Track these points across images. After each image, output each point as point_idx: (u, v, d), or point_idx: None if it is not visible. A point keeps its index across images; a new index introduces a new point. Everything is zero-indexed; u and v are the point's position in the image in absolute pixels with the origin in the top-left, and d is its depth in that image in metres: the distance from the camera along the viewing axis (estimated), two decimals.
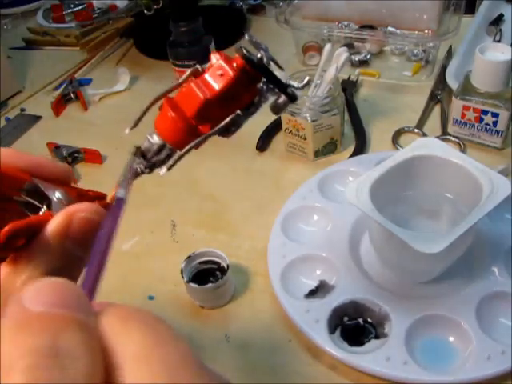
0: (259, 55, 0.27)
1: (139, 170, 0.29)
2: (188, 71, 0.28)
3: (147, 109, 0.28)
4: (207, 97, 0.26)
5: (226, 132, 0.28)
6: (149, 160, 0.29)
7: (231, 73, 0.26)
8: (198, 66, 0.27)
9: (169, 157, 0.29)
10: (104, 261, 0.22)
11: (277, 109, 0.28)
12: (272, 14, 0.90)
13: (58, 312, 0.17)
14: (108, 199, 0.28)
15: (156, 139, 0.28)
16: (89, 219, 0.24)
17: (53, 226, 0.24)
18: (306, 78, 0.30)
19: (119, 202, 0.27)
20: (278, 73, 0.28)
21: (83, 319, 0.17)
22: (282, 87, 0.28)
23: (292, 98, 0.28)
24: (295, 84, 0.29)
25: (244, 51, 0.26)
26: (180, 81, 0.28)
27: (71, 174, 0.28)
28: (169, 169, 0.29)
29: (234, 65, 0.26)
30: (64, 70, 0.93)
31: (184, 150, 0.28)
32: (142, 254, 0.60)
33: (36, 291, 0.18)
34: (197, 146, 0.28)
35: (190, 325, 0.53)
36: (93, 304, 0.19)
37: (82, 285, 0.21)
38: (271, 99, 0.28)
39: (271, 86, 0.27)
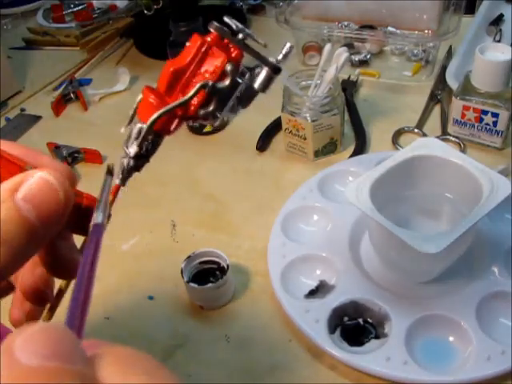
0: (234, 26, 0.28)
1: (125, 163, 0.29)
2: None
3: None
4: (175, 67, 0.27)
5: (208, 115, 0.28)
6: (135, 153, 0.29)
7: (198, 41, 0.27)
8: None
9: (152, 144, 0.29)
10: (88, 293, 0.21)
11: (262, 85, 0.28)
12: (272, 13, 0.90)
13: (53, 366, 0.16)
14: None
15: (137, 125, 0.28)
16: (47, 180, 0.22)
17: (7, 182, 0.22)
18: (287, 45, 0.29)
19: (97, 229, 0.24)
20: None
21: (80, 371, 0.16)
22: (263, 59, 0.27)
23: (275, 70, 0.28)
24: (277, 58, 0.28)
25: (216, 24, 0.27)
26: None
27: (73, 176, 0.28)
28: (138, 146, 0.28)
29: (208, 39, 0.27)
30: (64, 70, 0.93)
31: (150, 119, 0.27)
32: (142, 254, 0.60)
33: (27, 340, 0.17)
34: (169, 126, 0.28)
35: (190, 325, 0.53)
36: (84, 345, 0.18)
37: (68, 322, 0.20)
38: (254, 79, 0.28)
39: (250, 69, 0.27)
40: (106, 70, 0.93)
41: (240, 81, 0.28)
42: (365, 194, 0.47)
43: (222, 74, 0.27)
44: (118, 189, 0.29)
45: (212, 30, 0.28)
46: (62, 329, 0.17)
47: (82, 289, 0.21)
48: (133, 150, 0.28)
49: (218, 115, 0.28)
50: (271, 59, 0.28)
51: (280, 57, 0.28)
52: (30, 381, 0.16)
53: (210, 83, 0.27)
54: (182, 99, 0.27)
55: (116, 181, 0.28)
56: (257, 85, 0.28)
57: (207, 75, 0.28)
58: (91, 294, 0.21)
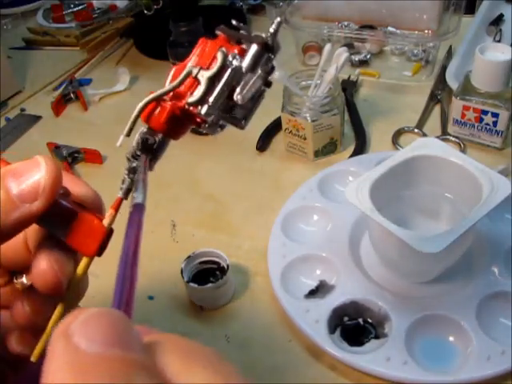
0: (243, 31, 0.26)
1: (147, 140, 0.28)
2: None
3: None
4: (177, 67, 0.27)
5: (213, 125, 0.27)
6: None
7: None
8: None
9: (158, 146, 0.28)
10: (134, 275, 0.20)
11: (251, 65, 0.25)
12: (272, 14, 0.90)
13: (116, 354, 0.15)
14: (105, 222, 0.27)
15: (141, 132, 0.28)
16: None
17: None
18: (277, 20, 0.26)
19: (138, 208, 0.24)
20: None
21: (141, 359, 0.16)
22: (250, 37, 0.26)
23: (265, 46, 0.25)
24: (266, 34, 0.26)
25: (224, 27, 0.26)
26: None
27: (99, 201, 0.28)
28: (127, 135, 0.27)
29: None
30: (64, 70, 0.93)
31: (138, 106, 0.27)
32: (142, 254, 0.60)
33: (84, 326, 0.16)
34: (178, 130, 0.27)
35: (190, 325, 0.53)
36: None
37: (117, 305, 0.19)
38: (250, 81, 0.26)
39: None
40: (106, 70, 0.93)
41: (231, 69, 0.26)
42: (365, 194, 0.47)
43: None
44: (120, 202, 0.28)
45: (219, 32, 0.26)
46: (117, 314, 0.17)
47: (127, 270, 0.20)
48: (119, 142, 0.27)
49: (223, 123, 0.27)
50: (266, 39, 0.25)
51: (270, 30, 0.26)
52: (93, 370, 0.15)
53: (198, 68, 0.26)
54: (170, 86, 0.26)
55: (120, 193, 0.28)
56: (245, 64, 0.26)
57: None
58: (137, 275, 0.20)
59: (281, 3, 0.84)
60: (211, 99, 0.26)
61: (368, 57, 0.84)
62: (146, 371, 0.15)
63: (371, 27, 0.85)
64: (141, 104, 0.27)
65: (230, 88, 0.26)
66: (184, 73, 0.26)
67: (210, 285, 0.52)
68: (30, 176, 0.24)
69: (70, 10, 1.06)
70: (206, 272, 0.55)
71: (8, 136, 0.81)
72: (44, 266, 0.27)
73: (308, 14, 0.90)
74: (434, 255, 0.42)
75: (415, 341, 0.47)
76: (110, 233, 0.27)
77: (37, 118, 0.84)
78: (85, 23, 1.01)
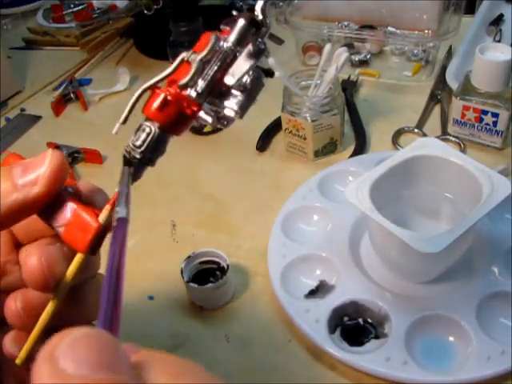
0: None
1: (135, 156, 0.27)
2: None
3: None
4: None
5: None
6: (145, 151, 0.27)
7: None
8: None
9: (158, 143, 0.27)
10: (120, 292, 0.20)
11: (236, 40, 0.25)
12: (272, 13, 0.90)
13: (104, 377, 0.15)
14: (100, 218, 0.26)
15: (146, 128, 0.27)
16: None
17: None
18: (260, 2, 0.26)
19: (121, 223, 0.23)
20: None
21: (130, 381, 0.15)
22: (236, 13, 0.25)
23: (252, 22, 0.25)
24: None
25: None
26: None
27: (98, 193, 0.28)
28: (123, 122, 0.27)
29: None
30: (64, 70, 0.93)
31: (135, 94, 0.26)
32: (142, 254, 0.60)
33: (70, 348, 0.15)
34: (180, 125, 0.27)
35: (190, 325, 0.53)
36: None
37: (103, 324, 0.18)
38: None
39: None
40: (106, 70, 0.93)
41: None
42: (365, 194, 0.47)
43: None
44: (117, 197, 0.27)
45: (223, 26, 0.26)
46: (104, 335, 0.16)
47: (112, 287, 0.20)
48: (115, 129, 0.27)
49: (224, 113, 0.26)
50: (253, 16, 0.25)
51: (257, 7, 0.25)
52: None
53: (190, 53, 0.25)
54: (164, 72, 0.26)
55: (117, 189, 0.27)
56: (231, 38, 0.25)
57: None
58: (122, 291, 0.20)
59: (281, 3, 0.84)
60: (201, 81, 0.25)
61: (368, 57, 0.84)
62: None
63: (371, 27, 0.85)
64: (138, 92, 0.26)
65: (220, 70, 0.25)
66: (178, 59, 0.26)
67: (209, 285, 0.52)
68: (36, 166, 0.26)
69: (70, 10, 1.06)
70: (206, 272, 0.55)
71: (8, 136, 0.81)
72: (33, 262, 0.26)
73: (308, 14, 0.90)
74: (434, 255, 0.42)
75: (415, 341, 0.47)
76: (104, 229, 0.26)
77: (37, 118, 0.84)
78: (85, 23, 1.01)
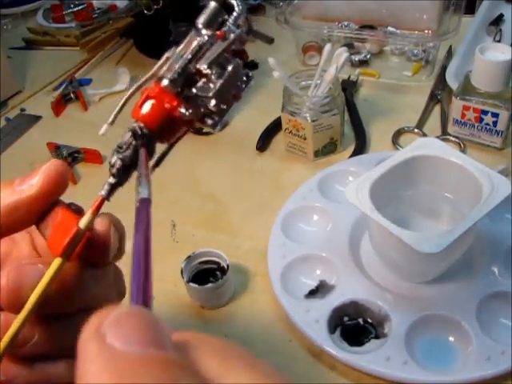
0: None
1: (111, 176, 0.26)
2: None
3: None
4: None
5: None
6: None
7: None
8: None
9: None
10: (149, 272, 0.19)
11: (207, 21, 0.25)
12: (272, 13, 0.90)
13: (155, 354, 0.14)
14: (81, 223, 0.25)
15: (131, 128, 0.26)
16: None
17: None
18: None
19: (145, 203, 0.23)
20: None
21: (181, 360, 0.15)
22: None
23: (223, 4, 0.24)
24: None
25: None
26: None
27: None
28: (111, 123, 0.27)
29: None
30: (64, 70, 0.93)
31: (122, 99, 0.26)
32: None
33: (117, 325, 0.15)
34: (172, 132, 0.26)
35: (190, 325, 0.53)
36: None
37: (137, 301, 0.18)
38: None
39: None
40: (106, 70, 0.93)
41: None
42: (365, 194, 0.47)
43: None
44: (102, 202, 0.26)
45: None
46: (147, 312, 0.16)
47: (141, 269, 0.19)
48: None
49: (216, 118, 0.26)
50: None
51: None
52: (135, 371, 0.14)
53: (173, 49, 0.25)
54: (149, 72, 0.26)
55: (102, 192, 0.26)
56: (201, 20, 0.25)
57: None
58: (152, 272, 0.19)
59: (281, 3, 0.84)
60: (175, 69, 0.25)
61: (368, 57, 0.84)
62: (187, 371, 0.15)
63: (371, 27, 0.85)
64: (128, 93, 0.26)
65: (195, 58, 0.25)
66: (162, 58, 0.26)
67: (209, 285, 0.52)
68: (35, 174, 0.26)
69: (70, 10, 1.06)
70: (206, 272, 0.54)
71: (8, 136, 0.81)
72: (2, 282, 0.25)
73: (308, 14, 0.90)
74: (434, 255, 0.42)
75: (415, 341, 0.47)
76: (82, 234, 0.25)
77: (37, 118, 0.84)
78: (85, 23, 1.01)
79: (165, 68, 0.26)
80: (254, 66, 0.25)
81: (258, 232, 0.60)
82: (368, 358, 0.46)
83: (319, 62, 0.68)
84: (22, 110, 0.86)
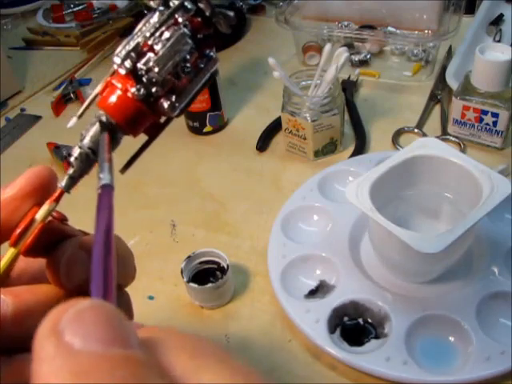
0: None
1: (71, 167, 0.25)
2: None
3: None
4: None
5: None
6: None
7: None
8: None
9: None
10: (110, 265, 0.17)
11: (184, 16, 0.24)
12: (272, 13, 0.90)
13: (117, 353, 0.13)
14: (38, 215, 0.24)
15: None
16: None
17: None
18: None
19: (107, 190, 0.21)
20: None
21: (146, 358, 0.14)
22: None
23: None
24: None
25: None
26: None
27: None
28: (79, 117, 0.26)
29: None
30: (64, 70, 0.93)
31: (94, 91, 0.25)
32: (142, 254, 0.60)
33: (76, 321, 0.14)
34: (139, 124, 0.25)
35: (190, 325, 0.53)
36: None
37: (98, 294, 0.16)
38: None
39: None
40: (106, 70, 0.92)
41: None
42: (365, 194, 0.47)
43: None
44: (60, 194, 0.25)
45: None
46: (110, 306, 0.14)
47: (101, 260, 0.17)
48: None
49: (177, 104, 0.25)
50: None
51: None
52: (95, 372, 0.13)
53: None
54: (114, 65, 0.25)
55: (61, 184, 0.25)
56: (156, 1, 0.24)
57: None
58: (114, 264, 0.17)
59: (281, 3, 0.84)
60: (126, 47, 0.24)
61: (368, 57, 0.84)
62: (154, 370, 0.14)
63: (371, 27, 0.85)
64: (98, 86, 0.26)
65: (142, 32, 0.24)
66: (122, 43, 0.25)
67: (209, 285, 0.52)
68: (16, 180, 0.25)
69: (70, 10, 1.06)
70: (206, 272, 0.55)
71: (8, 136, 0.81)
72: None
73: (308, 14, 0.90)
74: (434, 255, 0.42)
75: (415, 341, 0.47)
76: (30, 223, 0.24)
77: (37, 118, 0.84)
78: (85, 23, 1.01)
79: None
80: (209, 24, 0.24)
81: (258, 232, 0.60)
82: (368, 358, 0.46)
83: (319, 62, 0.68)
84: (22, 110, 0.86)
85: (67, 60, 0.96)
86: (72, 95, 0.85)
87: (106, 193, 0.21)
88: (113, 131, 0.25)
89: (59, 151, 0.73)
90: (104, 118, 0.25)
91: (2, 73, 0.85)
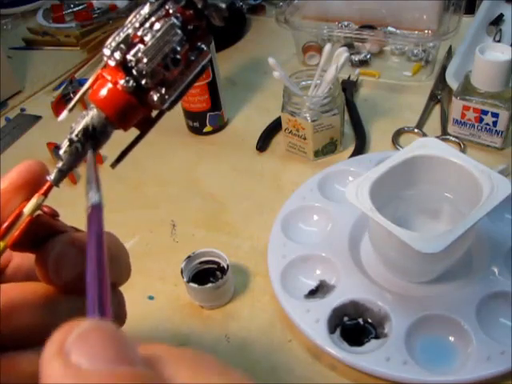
0: None
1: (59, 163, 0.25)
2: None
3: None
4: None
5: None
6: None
7: None
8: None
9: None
10: (103, 283, 0.18)
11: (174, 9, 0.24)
12: (272, 13, 0.90)
13: (122, 371, 0.14)
14: (26, 208, 0.24)
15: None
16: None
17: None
18: None
19: (96, 210, 0.21)
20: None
21: (151, 374, 0.14)
22: None
23: None
24: None
25: None
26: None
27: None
28: (70, 110, 0.26)
29: None
30: (64, 70, 0.93)
31: (87, 82, 0.25)
32: (142, 254, 0.60)
33: (81, 342, 0.14)
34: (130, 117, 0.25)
35: (190, 325, 0.53)
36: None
37: (95, 313, 0.16)
38: None
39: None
40: None
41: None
42: (365, 194, 0.47)
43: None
44: (49, 187, 0.25)
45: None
46: (112, 326, 0.15)
47: (96, 279, 0.17)
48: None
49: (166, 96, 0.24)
50: None
51: None
52: None
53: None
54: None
55: (50, 177, 0.25)
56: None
57: None
58: (108, 282, 0.18)
59: (281, 3, 0.84)
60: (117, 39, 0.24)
61: (368, 57, 0.84)
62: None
63: (371, 27, 0.85)
64: (90, 79, 0.25)
65: (132, 24, 0.24)
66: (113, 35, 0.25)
67: (209, 285, 0.52)
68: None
69: (70, 10, 1.06)
70: (206, 272, 0.55)
71: (8, 136, 0.81)
72: None
73: (308, 14, 0.90)
74: (434, 255, 0.42)
75: (415, 341, 0.47)
76: (18, 218, 0.24)
77: (37, 118, 0.84)
78: (85, 23, 1.01)
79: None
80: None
81: (258, 232, 0.60)
82: (368, 358, 0.46)
83: (319, 62, 0.68)
84: (22, 110, 0.86)
85: (67, 60, 0.96)
86: (72, 95, 0.85)
87: (96, 212, 0.21)
88: (99, 124, 0.26)
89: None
90: (92, 113, 0.26)
91: (2, 73, 0.86)
